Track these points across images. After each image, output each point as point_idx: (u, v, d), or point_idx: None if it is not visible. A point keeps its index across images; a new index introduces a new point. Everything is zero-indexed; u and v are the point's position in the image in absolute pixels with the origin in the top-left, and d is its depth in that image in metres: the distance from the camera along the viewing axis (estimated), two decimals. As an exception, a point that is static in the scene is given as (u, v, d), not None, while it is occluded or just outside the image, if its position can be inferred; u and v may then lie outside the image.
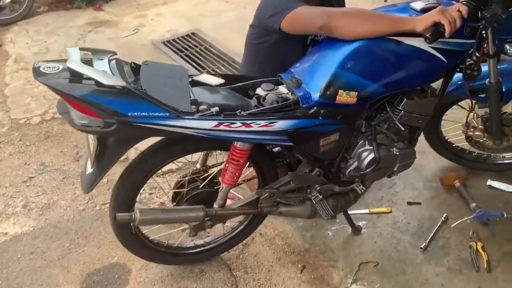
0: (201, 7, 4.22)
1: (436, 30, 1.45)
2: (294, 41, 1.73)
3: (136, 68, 1.48)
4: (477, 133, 2.08)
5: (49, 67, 1.31)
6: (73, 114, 1.35)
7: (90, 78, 1.28)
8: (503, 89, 1.80)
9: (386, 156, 1.70)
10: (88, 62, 1.37)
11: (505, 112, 2.04)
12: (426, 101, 1.68)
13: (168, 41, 3.76)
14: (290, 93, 1.60)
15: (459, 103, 2.10)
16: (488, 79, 1.72)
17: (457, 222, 2.02)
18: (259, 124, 1.46)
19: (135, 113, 1.32)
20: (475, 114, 2.05)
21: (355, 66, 1.52)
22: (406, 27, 1.50)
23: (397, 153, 1.73)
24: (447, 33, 1.45)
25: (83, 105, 1.29)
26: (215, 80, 1.61)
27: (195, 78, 1.61)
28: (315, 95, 1.52)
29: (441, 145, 2.26)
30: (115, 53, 1.47)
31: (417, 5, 1.59)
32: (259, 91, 1.63)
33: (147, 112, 1.33)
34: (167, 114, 1.35)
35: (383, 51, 1.53)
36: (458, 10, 1.49)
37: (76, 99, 1.28)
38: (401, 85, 1.60)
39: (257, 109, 1.51)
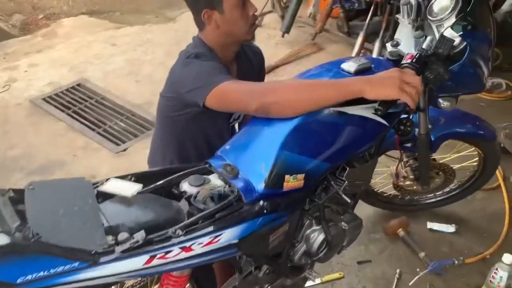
0: (84, 53, 3.71)
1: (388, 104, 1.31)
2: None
3: (17, 197, 1.06)
4: (407, 182, 2.01)
5: None
6: None
7: None
8: (432, 139, 1.77)
9: (336, 234, 1.49)
10: None
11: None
12: (367, 165, 1.53)
13: (50, 97, 3.24)
14: (226, 185, 1.31)
15: (387, 153, 2.02)
16: (418, 130, 1.69)
17: (414, 280, 1.91)
18: (202, 243, 1.15)
19: (29, 277, 0.93)
20: (402, 164, 1.99)
21: (299, 145, 1.30)
22: (354, 95, 1.31)
23: (346, 227, 1.53)
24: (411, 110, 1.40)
25: None
26: (129, 188, 1.21)
27: (100, 188, 1.19)
28: (259, 186, 1.25)
29: (370, 197, 2.16)
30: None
31: (350, 67, 1.43)
32: (186, 187, 1.29)
33: (47, 269, 0.94)
34: (76, 264, 0.98)
35: (327, 125, 1.34)
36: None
37: None
38: (346, 155, 1.42)
39: (193, 219, 1.18)
